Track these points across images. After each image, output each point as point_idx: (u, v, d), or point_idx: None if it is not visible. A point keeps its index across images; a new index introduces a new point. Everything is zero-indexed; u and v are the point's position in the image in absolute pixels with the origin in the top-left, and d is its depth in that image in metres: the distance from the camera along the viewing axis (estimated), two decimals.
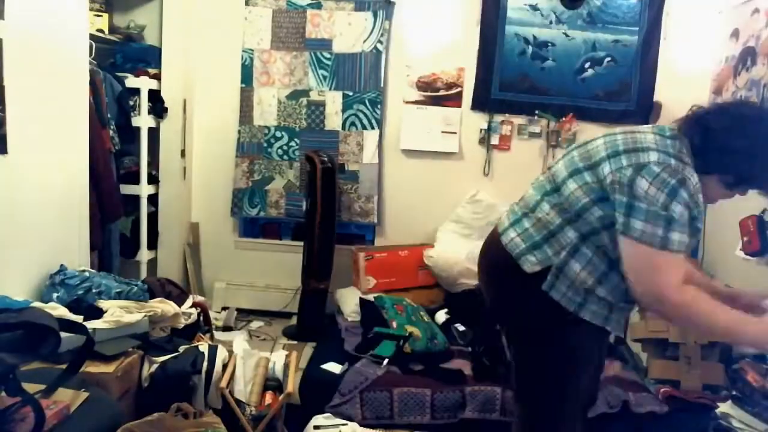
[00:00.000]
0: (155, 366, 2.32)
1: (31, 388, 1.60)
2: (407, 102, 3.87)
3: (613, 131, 1.63)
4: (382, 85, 3.84)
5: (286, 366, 2.53)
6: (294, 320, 3.77)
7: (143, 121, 3.54)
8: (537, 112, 3.81)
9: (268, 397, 2.38)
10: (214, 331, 3.14)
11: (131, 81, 3.50)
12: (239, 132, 3.95)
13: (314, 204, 3.48)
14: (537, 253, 1.58)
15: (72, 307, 2.38)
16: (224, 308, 3.91)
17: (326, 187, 3.48)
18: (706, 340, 2.59)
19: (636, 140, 1.53)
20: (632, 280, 1.45)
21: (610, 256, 1.52)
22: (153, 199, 3.74)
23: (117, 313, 2.37)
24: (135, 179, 3.58)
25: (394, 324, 3.02)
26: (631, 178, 1.42)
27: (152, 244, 3.77)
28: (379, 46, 3.80)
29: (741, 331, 1.47)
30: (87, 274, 2.63)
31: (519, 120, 3.86)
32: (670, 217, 1.38)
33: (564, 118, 3.78)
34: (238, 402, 2.29)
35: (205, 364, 2.34)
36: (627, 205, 1.42)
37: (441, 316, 3.32)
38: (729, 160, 1.48)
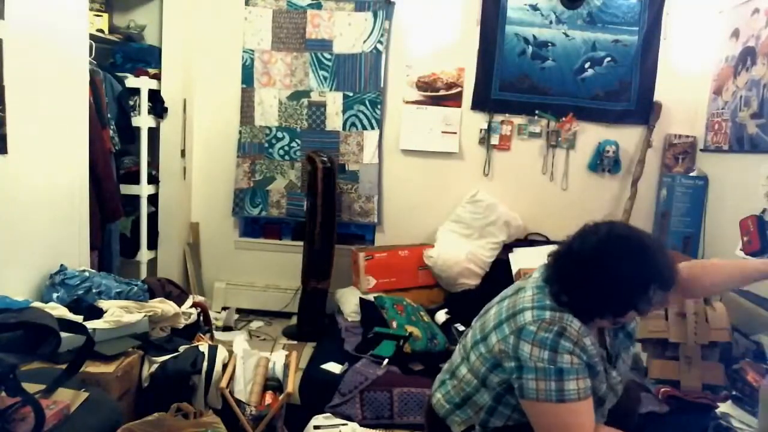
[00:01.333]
0: (155, 366, 2.32)
1: (31, 388, 1.60)
2: (407, 102, 3.87)
3: (505, 294, 1.64)
4: (382, 86, 3.84)
5: (286, 366, 2.53)
6: (294, 320, 3.77)
7: (143, 121, 3.54)
8: (537, 112, 3.82)
9: (268, 397, 2.38)
10: (214, 331, 3.14)
11: (131, 81, 3.50)
12: (240, 132, 3.95)
13: (315, 204, 3.48)
14: (460, 413, 1.63)
15: (72, 307, 2.38)
16: (224, 308, 3.91)
17: (326, 187, 3.48)
18: (707, 340, 2.60)
19: (515, 304, 1.53)
20: None
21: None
22: (153, 199, 3.74)
23: (117, 313, 2.37)
24: (135, 179, 3.58)
25: (394, 324, 3.02)
26: (514, 344, 1.44)
27: (152, 244, 3.77)
28: (379, 46, 3.80)
29: None
30: (87, 274, 2.63)
31: (519, 120, 3.86)
32: (559, 369, 1.38)
33: (564, 118, 3.79)
34: (238, 402, 2.29)
35: (205, 364, 2.34)
36: (516, 368, 1.44)
37: (441, 316, 3.32)
38: (594, 306, 1.45)
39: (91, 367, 2.08)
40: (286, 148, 3.94)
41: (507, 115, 3.85)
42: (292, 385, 2.40)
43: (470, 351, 1.63)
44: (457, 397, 1.64)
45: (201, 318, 2.87)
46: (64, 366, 1.77)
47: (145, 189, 3.60)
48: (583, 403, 1.40)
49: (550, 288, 1.50)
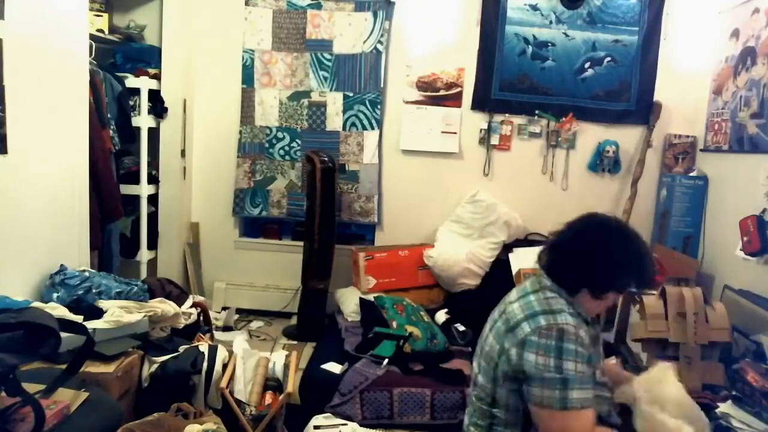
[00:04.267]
0: (155, 366, 2.32)
1: (31, 388, 1.61)
2: (407, 102, 3.87)
3: (494, 319, 1.68)
4: (382, 86, 3.84)
5: (286, 366, 2.53)
6: (294, 320, 3.77)
7: (143, 121, 3.54)
8: (537, 112, 3.82)
9: (268, 397, 2.39)
10: (214, 331, 3.14)
11: (131, 81, 3.50)
12: (241, 132, 3.95)
13: (314, 204, 3.48)
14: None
15: (72, 307, 2.38)
16: (224, 308, 3.91)
17: (326, 187, 3.48)
18: (707, 340, 2.60)
19: (508, 320, 1.59)
20: None
21: None
22: (153, 199, 3.74)
23: (117, 313, 2.37)
24: (135, 179, 3.58)
25: (394, 324, 3.02)
26: (519, 358, 1.50)
27: (152, 244, 3.77)
28: (379, 46, 3.80)
29: None
30: (87, 274, 2.63)
31: (519, 120, 3.86)
32: (565, 378, 1.44)
33: (564, 118, 3.79)
34: (238, 402, 2.29)
35: (205, 364, 2.34)
36: (527, 378, 1.50)
37: (441, 316, 3.32)
38: (578, 271, 1.56)
39: (91, 367, 2.08)
40: (287, 148, 3.94)
41: (507, 115, 3.85)
42: (292, 385, 2.40)
43: (477, 375, 1.67)
44: (482, 420, 1.66)
45: (201, 318, 2.87)
46: (64, 366, 1.77)
47: (145, 189, 3.60)
48: (585, 411, 1.45)
49: (541, 264, 1.61)
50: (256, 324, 3.85)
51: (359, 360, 2.82)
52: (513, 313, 1.59)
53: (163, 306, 2.59)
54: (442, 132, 3.87)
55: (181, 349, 2.45)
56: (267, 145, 3.95)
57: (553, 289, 1.58)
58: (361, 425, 2.46)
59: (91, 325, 2.19)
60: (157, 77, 3.64)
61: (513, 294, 1.68)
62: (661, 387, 1.68)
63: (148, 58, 3.63)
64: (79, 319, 2.22)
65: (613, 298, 1.59)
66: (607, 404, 1.62)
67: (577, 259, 1.56)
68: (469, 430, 1.70)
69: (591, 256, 1.54)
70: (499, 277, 3.58)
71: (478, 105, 3.85)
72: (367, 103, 3.86)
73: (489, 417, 1.62)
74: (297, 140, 3.93)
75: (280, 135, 3.93)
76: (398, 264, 3.67)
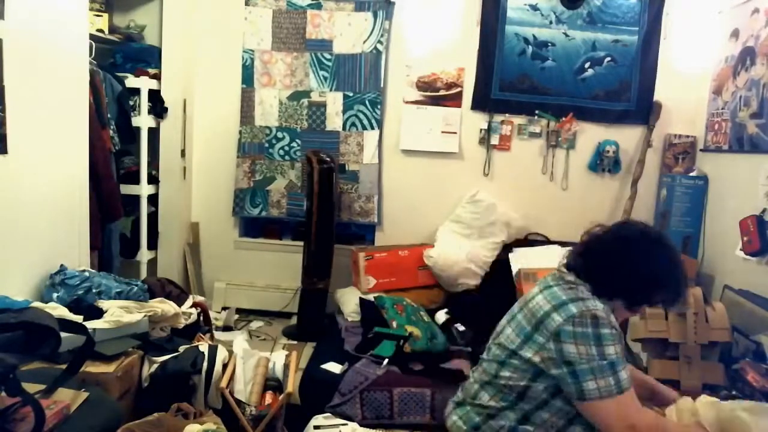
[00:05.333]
0: (155, 366, 2.32)
1: (31, 388, 1.60)
2: (407, 102, 3.87)
3: (513, 313, 1.67)
4: (382, 86, 3.84)
5: (286, 366, 2.53)
6: (294, 320, 3.77)
7: (143, 121, 3.54)
8: (537, 112, 3.82)
9: (268, 397, 2.38)
10: (214, 331, 3.14)
11: (131, 81, 3.50)
12: (240, 132, 3.95)
13: (311, 204, 3.48)
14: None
15: (72, 307, 2.38)
16: (224, 308, 3.91)
17: (324, 188, 3.47)
18: (707, 339, 2.60)
19: (533, 313, 1.57)
20: (610, 429, 1.48)
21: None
22: (153, 199, 3.74)
23: (117, 313, 2.37)
24: (135, 179, 3.58)
25: (394, 324, 3.02)
26: (557, 349, 1.47)
27: (152, 244, 3.77)
28: (379, 46, 3.80)
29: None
30: (87, 274, 2.63)
31: (519, 120, 3.86)
32: (612, 362, 1.44)
33: (564, 118, 3.79)
34: (238, 402, 2.29)
35: (205, 364, 2.34)
36: (570, 373, 1.46)
37: (441, 316, 3.32)
38: (615, 283, 1.53)
39: (91, 367, 2.08)
40: (287, 148, 3.94)
41: (507, 115, 3.85)
42: (292, 385, 2.40)
43: (497, 371, 1.62)
44: (477, 416, 1.64)
45: (201, 318, 2.87)
46: (64, 366, 1.77)
47: (145, 189, 3.60)
48: (632, 391, 1.46)
49: (571, 265, 1.56)
50: (256, 324, 3.85)
51: (359, 360, 2.81)
52: (537, 305, 1.55)
53: (163, 306, 2.59)
54: (442, 132, 3.87)
55: (181, 349, 2.45)
56: (267, 145, 3.95)
57: (578, 282, 1.55)
58: (361, 425, 2.45)
59: (91, 325, 2.19)
60: (157, 77, 3.64)
61: (533, 290, 1.65)
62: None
63: (148, 58, 3.63)
64: (79, 319, 2.22)
65: (643, 312, 1.58)
66: None
67: (618, 268, 1.52)
68: (461, 407, 1.70)
69: (636, 269, 1.50)
70: (499, 278, 3.58)
71: (478, 105, 3.84)
72: (367, 103, 3.86)
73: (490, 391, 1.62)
74: (297, 140, 3.93)
75: (279, 135, 3.93)
76: (398, 264, 3.67)
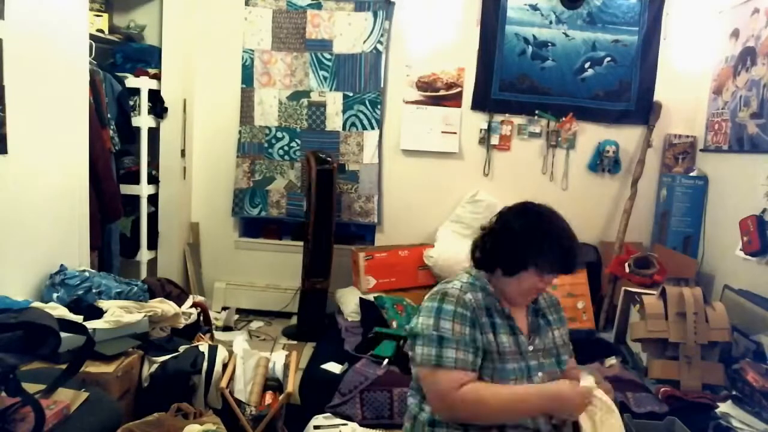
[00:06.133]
0: (155, 366, 2.32)
1: (31, 388, 1.61)
2: (407, 102, 3.87)
3: None
4: (382, 86, 3.84)
5: (286, 366, 2.53)
6: (294, 320, 3.77)
7: (143, 121, 3.54)
8: (537, 112, 3.82)
9: (268, 397, 2.38)
10: (214, 331, 3.14)
11: (131, 81, 3.50)
12: (240, 132, 3.95)
13: (309, 204, 3.48)
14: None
15: (72, 307, 2.38)
16: (224, 308, 3.91)
17: (321, 188, 3.47)
18: (707, 339, 2.59)
19: None
20: (429, 402, 1.52)
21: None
22: (153, 199, 3.74)
23: (117, 313, 2.37)
24: (135, 179, 3.58)
25: (394, 324, 3.03)
26: (413, 324, 1.55)
27: (152, 244, 3.77)
28: (379, 46, 3.80)
29: (526, 397, 1.49)
30: (87, 274, 2.63)
31: (519, 120, 3.86)
32: (441, 336, 1.47)
33: (564, 118, 3.79)
34: (238, 402, 2.29)
35: (205, 364, 2.34)
36: (411, 342, 1.55)
37: None
38: (489, 249, 1.60)
39: (91, 367, 2.08)
40: (286, 148, 3.94)
41: (507, 115, 3.85)
42: (292, 385, 2.40)
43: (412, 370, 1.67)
44: (407, 421, 1.66)
45: (201, 318, 2.87)
46: (64, 366, 1.77)
47: (145, 189, 3.60)
48: (458, 372, 1.45)
49: (473, 252, 1.66)
50: (256, 324, 3.85)
51: (359, 360, 2.81)
52: None
53: (163, 306, 2.59)
54: (442, 132, 3.87)
55: (181, 349, 2.45)
56: (266, 145, 3.95)
57: (469, 270, 1.63)
58: (361, 425, 2.45)
59: (91, 325, 2.19)
60: (157, 77, 3.64)
61: None
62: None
63: (148, 58, 3.63)
64: (79, 319, 2.23)
65: (532, 280, 1.56)
66: (512, 379, 1.55)
67: (491, 238, 1.61)
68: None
69: (498, 234, 1.61)
70: None
71: (478, 105, 3.85)
72: (367, 103, 3.86)
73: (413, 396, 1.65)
74: (296, 140, 3.93)
75: (279, 135, 3.93)
76: (398, 264, 3.68)
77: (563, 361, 1.63)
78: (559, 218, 1.63)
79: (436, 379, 1.46)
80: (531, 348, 1.57)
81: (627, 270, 3.31)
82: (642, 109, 3.79)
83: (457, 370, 1.45)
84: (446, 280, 1.62)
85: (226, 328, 3.66)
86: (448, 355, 1.45)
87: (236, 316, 3.87)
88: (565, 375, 1.60)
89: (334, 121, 3.89)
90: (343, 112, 3.88)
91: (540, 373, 1.56)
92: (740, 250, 3.03)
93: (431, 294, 1.57)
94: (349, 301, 3.51)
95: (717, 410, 2.31)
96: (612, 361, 2.94)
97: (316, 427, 2.36)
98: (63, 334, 1.66)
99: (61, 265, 2.61)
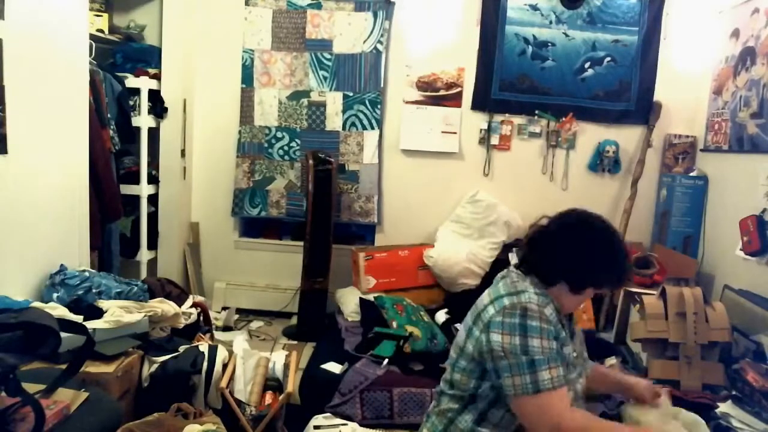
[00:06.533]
0: (155, 366, 2.32)
1: (31, 388, 1.61)
2: (407, 102, 3.87)
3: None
4: (382, 86, 3.84)
5: (286, 366, 2.53)
6: (294, 320, 3.77)
7: (143, 121, 3.54)
8: (537, 112, 3.82)
9: (268, 397, 2.39)
10: (214, 331, 3.14)
11: (131, 81, 3.50)
12: (240, 132, 3.95)
13: (308, 204, 3.48)
14: None
15: (72, 307, 2.38)
16: (224, 308, 3.91)
17: (320, 188, 3.47)
18: (707, 339, 2.60)
19: (476, 307, 1.60)
20: (535, 427, 1.48)
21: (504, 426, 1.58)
22: (153, 199, 3.74)
23: (117, 313, 2.37)
24: (135, 179, 3.58)
25: (394, 324, 3.02)
26: (487, 340, 1.48)
27: (152, 244, 3.77)
28: (379, 46, 3.80)
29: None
30: (87, 274, 2.63)
31: (519, 120, 3.86)
32: (532, 360, 1.42)
33: (564, 118, 3.79)
34: (238, 402, 2.29)
35: (205, 364, 2.34)
36: (495, 369, 1.48)
37: (441, 316, 3.32)
38: (556, 266, 1.55)
39: (91, 367, 2.08)
40: (286, 148, 3.94)
41: (507, 115, 3.85)
42: (292, 385, 2.40)
43: (451, 374, 1.64)
44: (440, 423, 1.64)
45: (201, 318, 2.87)
46: (64, 366, 1.77)
47: (145, 189, 3.60)
48: (559, 391, 1.43)
49: (519, 257, 1.61)
50: (256, 324, 3.85)
51: (359, 360, 2.81)
52: (481, 301, 1.59)
53: (163, 306, 2.59)
54: (442, 132, 3.87)
55: (181, 349, 2.45)
56: (266, 144, 3.95)
57: (521, 275, 1.57)
58: (361, 425, 2.45)
59: (91, 325, 2.19)
60: (157, 77, 3.64)
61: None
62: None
63: (148, 58, 3.63)
64: (79, 319, 2.23)
65: (590, 293, 1.58)
66: (572, 391, 1.58)
67: (558, 252, 1.54)
68: (429, 417, 1.70)
69: (573, 250, 1.53)
70: None
71: (478, 105, 3.85)
72: (367, 102, 3.86)
73: (446, 401, 1.64)
74: (296, 140, 3.93)
75: (279, 135, 3.93)
76: (398, 264, 3.67)
77: (587, 359, 1.67)
78: (619, 235, 1.60)
79: (542, 403, 1.42)
80: (575, 355, 1.58)
81: None
82: (642, 109, 3.79)
83: (557, 389, 1.43)
84: (510, 292, 1.52)
85: (226, 328, 3.66)
86: (544, 378, 1.42)
87: (236, 316, 3.87)
88: (644, 392, 1.66)
89: (334, 121, 3.89)
90: (343, 112, 3.88)
91: (581, 379, 1.58)
92: (740, 250, 3.03)
93: (505, 309, 1.47)
94: (349, 301, 3.51)
95: (717, 410, 2.30)
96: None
97: (316, 427, 2.36)
98: (63, 334, 1.66)
99: (61, 265, 2.61)
